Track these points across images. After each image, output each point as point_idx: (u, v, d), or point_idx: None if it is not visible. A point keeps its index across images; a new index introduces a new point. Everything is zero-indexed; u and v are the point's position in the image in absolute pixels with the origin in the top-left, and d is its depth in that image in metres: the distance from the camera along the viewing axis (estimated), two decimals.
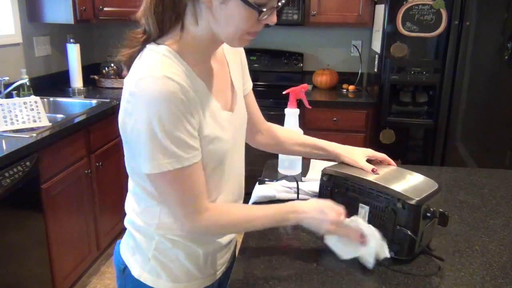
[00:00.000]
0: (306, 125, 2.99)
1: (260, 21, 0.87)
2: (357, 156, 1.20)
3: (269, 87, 3.58)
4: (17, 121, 2.17)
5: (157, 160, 0.87)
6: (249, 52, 3.59)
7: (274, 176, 1.53)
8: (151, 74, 0.85)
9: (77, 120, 2.35)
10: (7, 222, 1.85)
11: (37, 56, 3.04)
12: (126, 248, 1.08)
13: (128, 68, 0.93)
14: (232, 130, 1.01)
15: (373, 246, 1.00)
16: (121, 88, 0.92)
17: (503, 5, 2.60)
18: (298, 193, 1.34)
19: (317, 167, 1.56)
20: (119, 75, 3.25)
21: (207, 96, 0.94)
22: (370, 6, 3.18)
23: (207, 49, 0.96)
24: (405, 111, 2.98)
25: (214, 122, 0.95)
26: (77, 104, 2.80)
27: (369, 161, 1.20)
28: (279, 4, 0.88)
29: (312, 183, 1.37)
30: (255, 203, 1.33)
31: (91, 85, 3.23)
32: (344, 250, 1.04)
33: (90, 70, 3.37)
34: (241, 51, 1.13)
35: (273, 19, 0.88)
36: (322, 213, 1.01)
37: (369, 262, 1.00)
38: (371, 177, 1.11)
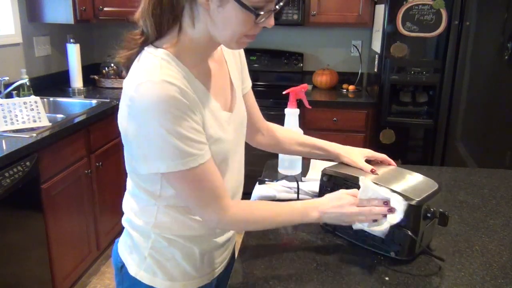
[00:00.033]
0: (306, 125, 2.99)
1: (257, 24, 0.87)
2: (357, 156, 1.20)
3: (269, 87, 3.58)
4: (17, 121, 2.17)
5: (171, 160, 0.87)
6: (249, 52, 3.60)
7: (274, 176, 1.53)
8: (150, 79, 0.85)
9: (77, 120, 2.35)
10: (7, 222, 1.85)
11: (37, 56, 3.04)
12: (123, 247, 1.09)
13: (127, 70, 0.93)
14: (232, 130, 1.01)
15: (399, 206, 1.00)
16: (121, 88, 0.92)
17: (503, 5, 2.60)
18: (298, 193, 1.34)
19: (317, 167, 1.56)
20: (119, 75, 3.25)
21: (207, 97, 0.94)
22: (370, 6, 3.18)
23: (204, 50, 0.96)
24: (405, 111, 2.98)
25: (215, 123, 0.95)
26: (77, 104, 2.80)
27: (368, 161, 1.20)
28: (277, 7, 0.88)
29: (312, 183, 1.37)
30: None
31: (91, 85, 3.23)
32: (380, 225, 1.03)
33: (90, 70, 3.37)
34: (240, 51, 1.13)
35: (271, 22, 0.89)
36: (340, 199, 1.03)
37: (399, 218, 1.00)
38: (371, 178, 1.11)
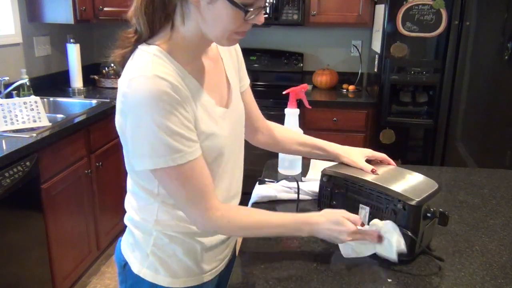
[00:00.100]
0: (306, 125, 2.99)
1: (247, 21, 0.88)
2: (356, 156, 1.20)
3: (269, 87, 3.58)
4: (17, 121, 2.17)
5: (160, 156, 0.87)
6: (249, 52, 3.60)
7: (274, 176, 1.53)
8: (142, 74, 0.86)
9: (77, 120, 2.35)
10: (7, 222, 1.85)
11: (37, 56, 3.04)
12: (126, 245, 1.10)
13: (122, 68, 0.94)
14: (228, 125, 1.02)
15: (394, 240, 1.00)
16: None
17: (503, 5, 2.60)
18: (298, 193, 1.34)
19: (317, 167, 1.56)
20: (119, 75, 3.23)
21: (200, 93, 0.95)
22: (370, 6, 3.18)
23: (197, 47, 0.96)
24: (405, 111, 2.98)
25: (209, 118, 0.96)
26: (77, 104, 2.80)
27: (368, 161, 1.20)
28: (266, 4, 0.89)
29: (312, 183, 1.37)
30: (255, 203, 1.33)
31: (91, 85, 3.23)
32: (361, 249, 1.03)
33: (90, 70, 3.37)
34: (237, 48, 1.14)
35: (260, 18, 0.90)
36: (338, 224, 1.00)
37: (392, 256, 1.00)
38: (370, 178, 1.11)
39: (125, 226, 1.11)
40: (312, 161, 1.62)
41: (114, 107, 0.94)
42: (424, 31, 2.74)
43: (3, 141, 1.97)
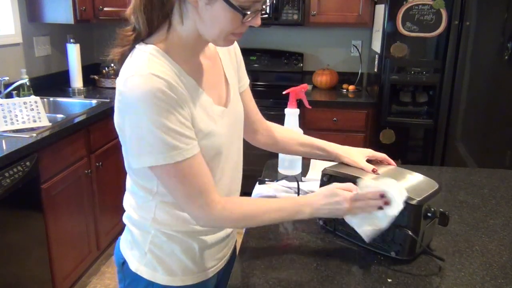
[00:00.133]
0: (306, 125, 2.99)
1: (244, 23, 0.89)
2: (357, 156, 1.20)
3: (269, 87, 3.58)
4: (17, 121, 2.17)
5: (157, 153, 0.88)
6: (249, 52, 3.60)
7: (274, 176, 1.53)
8: (138, 72, 0.87)
9: (77, 120, 2.35)
10: (7, 222, 1.85)
11: (37, 56, 3.04)
12: (124, 243, 1.10)
13: (121, 66, 0.95)
14: (226, 124, 1.02)
15: (396, 197, 0.98)
16: None
17: (503, 5, 2.60)
18: (298, 193, 1.34)
19: (317, 167, 1.56)
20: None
21: (198, 92, 0.95)
22: (370, 6, 3.18)
23: (194, 47, 0.97)
24: (405, 111, 2.98)
25: (206, 117, 0.96)
26: (77, 104, 2.80)
27: (369, 161, 1.20)
28: (263, 7, 0.90)
29: (312, 183, 1.38)
30: None
31: (91, 85, 3.23)
32: (374, 221, 1.00)
33: (90, 70, 3.37)
34: (236, 48, 1.14)
35: (257, 21, 0.91)
36: (334, 195, 1.01)
37: (398, 210, 0.98)
38: (371, 177, 1.11)
39: (125, 225, 1.11)
40: (312, 161, 1.62)
41: (114, 107, 0.95)
42: (424, 31, 2.74)
43: (3, 141, 1.97)
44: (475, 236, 1.17)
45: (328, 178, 1.17)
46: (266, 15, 3.15)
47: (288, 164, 1.55)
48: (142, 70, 0.87)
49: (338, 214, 1.02)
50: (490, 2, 2.65)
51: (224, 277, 1.16)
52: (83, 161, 2.41)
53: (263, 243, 1.12)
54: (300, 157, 1.56)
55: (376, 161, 1.23)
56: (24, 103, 2.24)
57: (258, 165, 1.67)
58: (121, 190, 1.11)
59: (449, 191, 1.45)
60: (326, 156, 1.27)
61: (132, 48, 0.93)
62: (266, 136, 1.26)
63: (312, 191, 1.34)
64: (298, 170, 1.56)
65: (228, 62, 1.10)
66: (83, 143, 2.41)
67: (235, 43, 1.11)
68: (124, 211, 1.10)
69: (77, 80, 3.12)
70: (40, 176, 2.03)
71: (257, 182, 1.43)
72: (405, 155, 3.01)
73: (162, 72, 0.87)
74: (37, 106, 2.26)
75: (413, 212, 1.01)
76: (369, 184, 1.03)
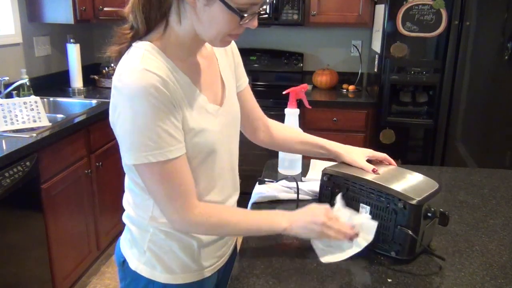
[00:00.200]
0: (306, 125, 2.99)
1: (241, 25, 0.89)
2: (357, 156, 1.21)
3: (269, 87, 3.58)
4: (17, 121, 2.17)
5: (141, 151, 0.88)
6: (249, 52, 3.60)
7: (274, 176, 1.53)
8: (132, 67, 0.88)
9: (77, 120, 2.36)
10: (7, 222, 1.85)
11: (37, 56, 3.04)
12: (124, 242, 1.11)
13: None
14: (221, 123, 1.02)
15: (369, 227, 1.04)
16: None
17: (503, 5, 2.60)
18: (298, 193, 1.34)
19: (317, 167, 1.56)
20: None
21: (192, 90, 0.96)
22: (370, 6, 3.18)
23: (190, 46, 0.97)
24: (405, 111, 2.98)
25: (200, 114, 0.96)
26: (77, 104, 2.80)
27: (369, 161, 1.20)
28: (261, 10, 0.91)
29: (312, 183, 1.37)
30: (255, 203, 1.33)
31: (91, 85, 3.23)
32: (336, 249, 1.05)
33: (90, 70, 3.37)
34: (233, 47, 1.14)
35: (254, 23, 0.91)
36: (313, 215, 1.03)
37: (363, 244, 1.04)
38: (371, 177, 1.11)
39: (124, 225, 1.11)
40: (312, 161, 1.62)
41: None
42: (424, 31, 2.74)
43: (3, 141, 1.97)
44: (475, 236, 1.17)
45: (328, 178, 1.18)
46: (266, 15, 3.15)
47: (288, 164, 1.55)
48: (136, 65, 0.87)
49: (310, 235, 1.04)
50: (490, 2, 2.66)
51: (225, 276, 1.16)
52: (83, 161, 2.41)
53: (263, 243, 1.12)
54: (300, 157, 1.56)
55: (377, 161, 1.23)
56: (24, 103, 2.24)
57: (258, 165, 1.67)
58: (121, 190, 1.11)
59: (449, 191, 1.45)
60: (327, 154, 1.27)
61: (129, 46, 0.94)
62: (267, 134, 1.27)
63: (312, 191, 1.34)
64: (298, 170, 1.56)
65: (225, 62, 1.10)
66: (83, 143, 2.41)
67: (233, 42, 1.11)
68: (123, 210, 1.10)
69: (77, 80, 3.12)
70: (40, 176, 2.03)
71: (257, 182, 1.43)
72: (405, 155, 3.01)
73: (156, 68, 0.88)
74: (37, 106, 2.26)
75: (413, 212, 1.01)
76: (344, 212, 1.08)
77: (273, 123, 1.28)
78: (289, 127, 1.39)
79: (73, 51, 3.09)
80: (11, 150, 1.84)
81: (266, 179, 1.44)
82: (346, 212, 1.09)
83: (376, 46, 3.07)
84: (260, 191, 1.36)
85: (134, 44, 0.93)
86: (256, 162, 1.74)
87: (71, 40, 3.13)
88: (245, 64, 1.19)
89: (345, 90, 3.45)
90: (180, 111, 0.92)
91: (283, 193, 1.35)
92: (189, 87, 0.95)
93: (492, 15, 2.67)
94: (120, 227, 2.80)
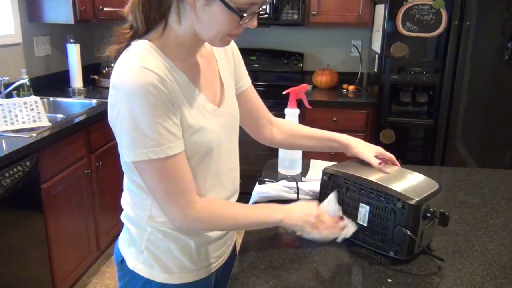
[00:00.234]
0: (306, 125, 2.97)
1: (241, 24, 0.90)
2: (366, 149, 1.21)
3: (269, 87, 3.58)
4: (17, 121, 2.17)
5: (141, 148, 0.88)
6: (249, 52, 3.60)
7: (274, 176, 1.53)
8: (130, 65, 0.88)
9: (77, 120, 2.35)
10: (7, 222, 1.85)
11: (37, 56, 3.04)
12: (123, 241, 1.11)
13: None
14: (219, 123, 1.02)
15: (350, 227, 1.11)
16: None
17: (503, 5, 2.60)
18: (298, 193, 1.33)
19: (317, 167, 1.56)
20: None
21: (190, 89, 0.96)
22: (370, 6, 3.18)
23: (189, 46, 0.97)
24: (405, 111, 2.98)
25: (198, 113, 0.96)
26: (77, 104, 2.80)
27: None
28: (260, 10, 0.91)
29: (312, 183, 1.37)
30: (255, 203, 1.33)
31: (91, 85, 3.23)
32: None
33: (90, 70, 3.37)
34: (234, 48, 1.14)
35: (254, 23, 0.91)
36: (309, 209, 1.09)
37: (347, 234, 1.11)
38: (371, 177, 1.11)
39: (123, 224, 1.11)
40: (312, 161, 1.62)
41: None
42: (424, 31, 2.74)
43: (3, 141, 1.97)
44: (475, 236, 1.17)
45: (328, 177, 1.18)
46: (266, 15, 3.15)
47: (288, 164, 1.55)
48: (134, 63, 0.88)
49: (305, 226, 1.08)
50: (490, 2, 2.65)
51: (223, 276, 1.16)
52: (83, 161, 2.41)
53: (263, 243, 1.12)
54: (300, 157, 1.56)
55: (384, 160, 1.23)
56: (24, 103, 2.24)
57: (258, 165, 1.67)
58: (121, 190, 1.12)
59: (449, 191, 1.45)
60: (337, 147, 1.26)
61: (128, 45, 0.94)
62: (273, 132, 1.27)
63: (312, 191, 1.34)
64: (298, 170, 1.56)
65: (224, 63, 1.10)
66: (83, 143, 2.41)
67: (233, 43, 1.11)
68: (122, 209, 1.10)
69: (77, 80, 3.12)
70: (40, 176, 2.03)
71: (257, 182, 1.43)
72: (405, 155, 3.01)
73: (153, 66, 0.88)
74: (37, 106, 2.26)
75: (412, 212, 1.01)
76: (333, 206, 1.13)
77: (279, 121, 1.28)
78: (295, 124, 1.37)
79: (73, 51, 3.09)
80: (11, 150, 1.84)
81: (266, 179, 1.44)
82: (335, 207, 1.14)
83: (376, 46, 3.07)
84: (260, 191, 1.36)
85: (133, 43, 0.93)
86: (256, 162, 1.74)
87: (71, 40, 3.13)
88: (245, 64, 1.19)
89: (345, 90, 3.45)
90: (178, 108, 0.92)
91: (283, 193, 1.35)
92: (187, 86, 0.95)
93: (492, 15, 2.67)
94: (120, 227, 2.79)
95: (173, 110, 0.90)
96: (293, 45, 3.61)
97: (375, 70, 3.09)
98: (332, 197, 1.14)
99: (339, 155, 1.28)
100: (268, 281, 0.97)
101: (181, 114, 0.93)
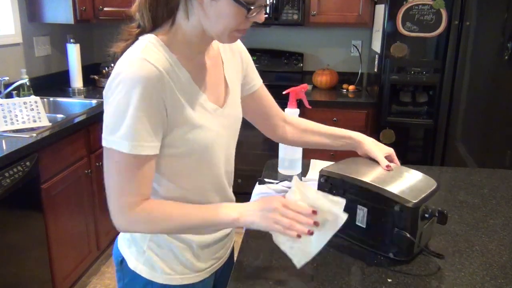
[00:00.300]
0: None
1: (248, 18, 0.89)
2: (377, 149, 1.20)
3: (269, 87, 3.52)
4: (17, 121, 2.17)
5: (117, 137, 0.87)
6: (249, 52, 3.58)
7: (274, 176, 1.53)
8: (132, 56, 0.88)
9: (77, 120, 2.36)
10: (7, 222, 1.85)
11: (37, 56, 3.04)
12: (123, 241, 1.10)
13: None
14: (219, 124, 1.01)
15: (335, 217, 0.90)
16: None
17: (503, 5, 2.60)
18: None
19: (317, 167, 1.56)
20: None
21: (192, 87, 0.95)
22: (370, 6, 3.18)
23: (197, 45, 0.97)
24: (405, 111, 2.98)
25: (197, 112, 0.96)
26: (77, 104, 2.80)
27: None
28: (267, 2, 0.91)
29: (312, 183, 1.37)
30: None
31: (91, 85, 3.23)
32: (307, 247, 0.92)
33: (90, 70, 3.37)
34: (241, 51, 1.14)
35: (261, 17, 0.91)
36: (266, 202, 0.93)
37: (338, 226, 0.91)
38: (368, 178, 1.09)
39: None
40: (312, 161, 1.62)
41: None
42: (424, 31, 2.74)
43: (3, 141, 1.97)
44: (475, 236, 1.17)
45: (325, 180, 1.16)
46: (266, 15, 3.15)
47: (288, 164, 1.55)
48: (136, 55, 0.88)
49: (262, 223, 0.92)
50: (490, 2, 2.65)
51: (222, 277, 1.16)
52: (83, 161, 2.41)
53: (263, 243, 1.12)
54: (300, 157, 1.56)
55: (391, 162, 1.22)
56: (24, 103, 2.24)
57: (258, 165, 1.67)
58: None
59: (449, 191, 1.45)
60: (350, 143, 1.25)
61: (135, 41, 0.94)
62: (286, 130, 1.26)
63: None
64: (298, 170, 1.56)
65: (231, 65, 1.09)
66: (83, 143, 2.41)
67: (242, 45, 1.11)
68: None
69: (77, 80, 3.12)
70: (40, 176, 2.03)
71: (257, 182, 1.43)
72: (405, 155, 3.01)
73: (155, 60, 0.88)
74: (37, 106, 2.26)
75: (410, 214, 1.00)
76: (302, 188, 0.93)
77: (293, 119, 1.28)
78: (308, 121, 1.33)
79: (73, 51, 3.09)
80: (11, 150, 1.84)
81: (266, 179, 1.44)
82: (309, 193, 0.93)
83: (376, 46, 3.07)
84: (260, 191, 1.36)
85: (140, 38, 0.93)
86: (256, 162, 1.74)
87: (71, 40, 3.13)
88: None
89: (345, 90, 3.45)
90: (171, 106, 0.90)
91: (283, 193, 1.35)
92: (189, 84, 0.95)
93: (492, 15, 2.67)
94: None
95: (162, 111, 0.89)
96: (293, 45, 3.61)
97: (375, 70, 3.09)
98: (297, 183, 0.95)
99: (339, 155, 1.28)
100: (268, 281, 0.97)
101: (178, 111, 0.92)
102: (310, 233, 0.90)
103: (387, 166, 1.15)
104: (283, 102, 1.58)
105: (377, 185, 1.06)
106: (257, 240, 1.13)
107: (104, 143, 0.89)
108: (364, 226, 1.08)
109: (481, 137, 2.82)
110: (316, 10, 3.21)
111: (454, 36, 2.73)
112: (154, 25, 0.93)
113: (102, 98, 0.91)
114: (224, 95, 1.05)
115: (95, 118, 2.47)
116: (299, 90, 1.49)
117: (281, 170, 1.57)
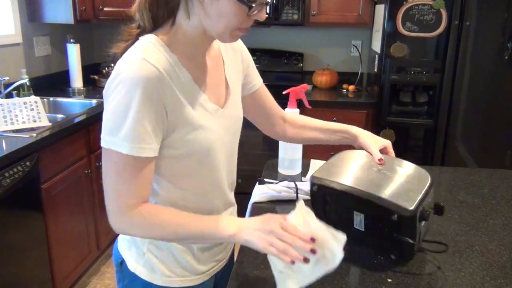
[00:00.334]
0: None
1: (249, 16, 0.89)
2: (372, 143, 1.20)
3: (269, 87, 3.52)
4: (17, 121, 2.17)
5: (117, 138, 0.86)
6: (249, 52, 3.59)
7: (274, 176, 1.53)
8: (132, 56, 0.88)
9: (77, 120, 2.36)
10: (7, 222, 1.85)
11: (37, 56, 3.04)
12: (123, 243, 1.10)
13: None
14: (219, 125, 1.01)
15: (334, 249, 0.85)
16: None
17: (503, 5, 2.60)
18: (297, 193, 1.34)
19: (317, 167, 1.55)
20: None
21: (192, 87, 0.95)
22: (370, 6, 3.18)
23: (197, 45, 0.96)
24: (405, 111, 2.98)
25: (198, 112, 0.95)
26: (77, 104, 2.80)
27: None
28: (268, 0, 0.90)
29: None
30: (255, 203, 1.33)
31: (91, 85, 3.23)
32: (297, 273, 0.86)
33: (90, 70, 3.37)
34: (242, 50, 1.14)
35: (262, 15, 0.90)
36: (266, 222, 0.89)
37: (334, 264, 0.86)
38: (360, 184, 1.05)
39: None
40: (312, 161, 1.62)
41: None
42: (424, 31, 2.74)
43: (3, 141, 1.97)
44: (475, 236, 1.17)
45: (317, 188, 1.12)
46: (266, 15, 3.15)
47: (288, 164, 1.55)
48: (136, 55, 0.87)
49: (258, 243, 0.87)
50: (490, 2, 2.65)
51: (222, 279, 1.15)
52: (83, 161, 2.41)
53: None
54: (300, 157, 1.56)
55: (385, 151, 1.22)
56: (24, 103, 2.24)
57: (258, 165, 1.67)
58: None
59: (449, 191, 1.45)
60: (348, 137, 1.26)
61: (135, 41, 0.94)
62: (285, 127, 1.27)
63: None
64: (298, 170, 1.56)
65: (232, 65, 1.09)
66: (83, 143, 2.41)
67: (243, 45, 1.11)
68: None
69: (77, 80, 3.12)
70: (40, 176, 2.03)
71: (257, 182, 1.43)
72: (405, 155, 2.98)
73: (155, 60, 0.87)
74: (37, 106, 2.26)
75: (408, 221, 0.98)
76: (306, 221, 0.88)
77: (291, 116, 1.29)
78: (306, 117, 1.34)
79: (73, 51, 3.09)
80: (11, 150, 1.84)
81: (266, 179, 1.44)
82: (312, 221, 0.88)
83: (376, 46, 3.07)
84: (260, 191, 1.36)
85: (140, 38, 0.93)
86: (256, 162, 1.74)
87: (71, 40, 3.13)
88: None
89: (345, 90, 3.45)
90: (173, 108, 0.90)
91: (283, 193, 1.35)
92: (190, 85, 0.94)
93: (492, 15, 2.67)
94: None
95: (162, 112, 0.89)
96: (293, 45, 3.61)
97: (375, 70, 3.08)
98: (301, 208, 0.90)
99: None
100: (268, 281, 0.97)
101: (179, 112, 0.91)
102: (306, 260, 0.84)
103: (379, 159, 1.14)
104: (283, 102, 1.58)
105: (372, 193, 1.01)
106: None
107: (103, 144, 0.89)
108: (363, 230, 1.07)
109: (481, 137, 2.82)
110: (316, 10, 3.21)
111: (454, 36, 2.73)
112: (154, 25, 0.93)
113: (102, 98, 0.91)
114: (225, 96, 1.05)
115: (95, 118, 2.47)
116: (299, 90, 1.49)
117: (281, 170, 1.57)
